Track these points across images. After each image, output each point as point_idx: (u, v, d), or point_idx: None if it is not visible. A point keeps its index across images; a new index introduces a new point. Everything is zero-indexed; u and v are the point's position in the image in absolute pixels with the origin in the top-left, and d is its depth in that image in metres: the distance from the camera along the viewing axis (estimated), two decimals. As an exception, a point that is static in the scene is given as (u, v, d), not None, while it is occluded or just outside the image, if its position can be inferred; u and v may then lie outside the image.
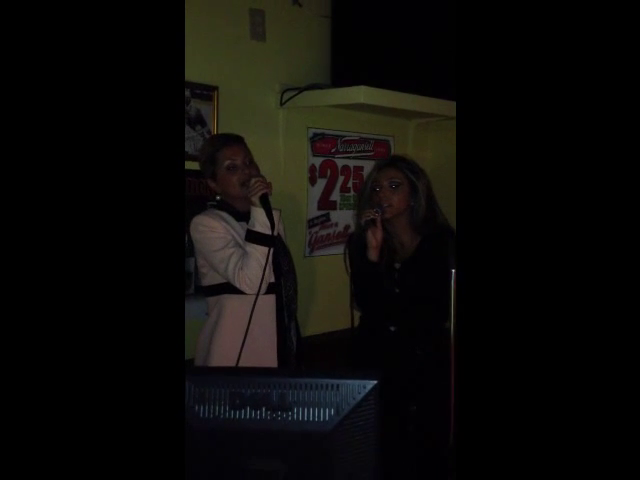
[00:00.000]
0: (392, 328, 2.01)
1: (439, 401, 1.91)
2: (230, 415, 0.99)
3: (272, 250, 1.85)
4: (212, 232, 1.88)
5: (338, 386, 1.01)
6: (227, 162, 1.91)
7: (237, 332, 1.86)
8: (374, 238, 1.93)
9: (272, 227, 1.86)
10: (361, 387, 1.01)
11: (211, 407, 0.99)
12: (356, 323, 2.10)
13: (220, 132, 2.34)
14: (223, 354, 1.88)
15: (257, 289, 1.84)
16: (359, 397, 1.01)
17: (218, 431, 0.99)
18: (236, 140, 1.97)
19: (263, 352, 1.92)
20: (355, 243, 2.02)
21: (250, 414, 0.99)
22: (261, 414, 0.99)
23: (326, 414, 1.00)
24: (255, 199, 1.86)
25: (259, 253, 1.84)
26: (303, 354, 2.08)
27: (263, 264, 1.84)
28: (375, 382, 1.01)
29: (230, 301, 1.91)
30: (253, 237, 1.86)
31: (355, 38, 2.60)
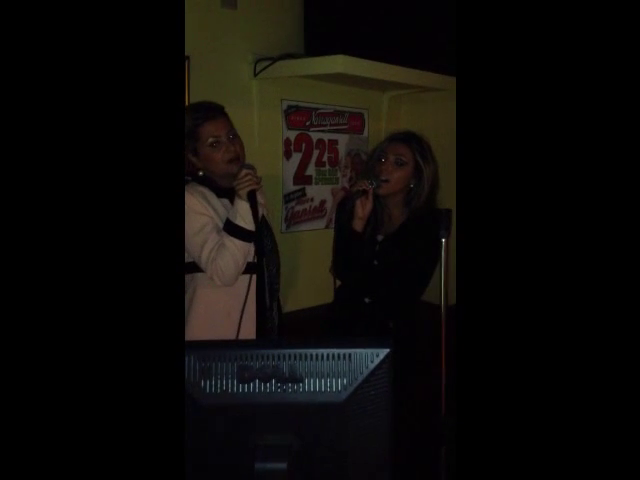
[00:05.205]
0: (366, 299, 1.98)
1: (411, 372, 1.92)
2: (238, 389, 0.94)
3: (252, 245, 1.81)
4: (189, 212, 1.79)
5: (350, 355, 0.97)
6: (210, 139, 1.81)
7: (214, 313, 1.81)
8: (362, 209, 1.88)
9: (256, 224, 1.80)
10: (374, 355, 0.97)
11: (218, 382, 0.94)
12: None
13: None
14: (200, 335, 1.80)
15: (230, 282, 1.79)
16: (372, 366, 0.97)
17: (226, 406, 0.94)
18: (219, 112, 1.87)
19: (242, 333, 1.85)
20: (344, 208, 1.95)
21: (259, 387, 0.94)
22: (271, 387, 0.95)
23: (338, 384, 0.96)
24: (243, 193, 1.78)
25: (236, 248, 1.77)
26: (284, 333, 2.03)
27: (238, 259, 1.78)
28: (388, 350, 0.98)
29: (206, 281, 1.83)
30: (233, 230, 1.79)
31: (328, 5, 2.53)
